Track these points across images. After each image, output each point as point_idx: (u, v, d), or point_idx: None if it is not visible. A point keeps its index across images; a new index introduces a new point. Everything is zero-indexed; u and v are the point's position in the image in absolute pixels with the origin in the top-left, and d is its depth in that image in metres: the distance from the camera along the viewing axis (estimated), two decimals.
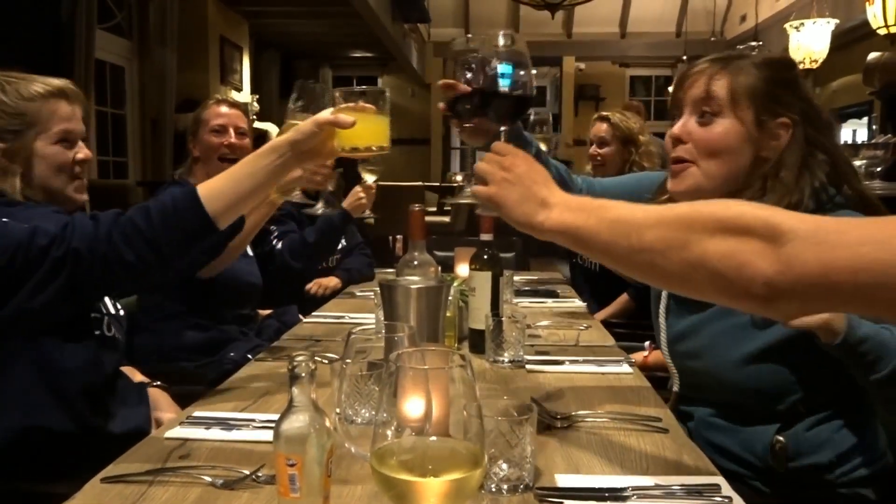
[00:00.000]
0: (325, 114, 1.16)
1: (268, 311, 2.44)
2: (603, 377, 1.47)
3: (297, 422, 0.76)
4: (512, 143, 1.34)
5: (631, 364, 1.54)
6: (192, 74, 6.59)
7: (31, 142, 1.38)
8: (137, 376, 1.63)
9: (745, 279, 0.71)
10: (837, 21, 7.19)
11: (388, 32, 9.08)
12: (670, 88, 2.58)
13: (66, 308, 1.17)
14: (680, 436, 1.12)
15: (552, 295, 2.50)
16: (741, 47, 8.69)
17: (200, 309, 2.10)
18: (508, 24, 11.83)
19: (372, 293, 2.10)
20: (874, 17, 5.65)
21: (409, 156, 11.82)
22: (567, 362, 1.54)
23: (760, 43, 8.59)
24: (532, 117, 2.15)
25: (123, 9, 6.03)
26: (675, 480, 0.94)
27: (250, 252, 2.30)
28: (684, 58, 9.04)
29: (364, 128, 1.16)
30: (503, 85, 1.11)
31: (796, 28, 7.17)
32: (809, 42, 7.11)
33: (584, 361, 1.56)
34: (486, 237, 1.67)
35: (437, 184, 9.69)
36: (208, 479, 0.92)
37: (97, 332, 1.39)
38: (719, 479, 0.94)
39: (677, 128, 1.32)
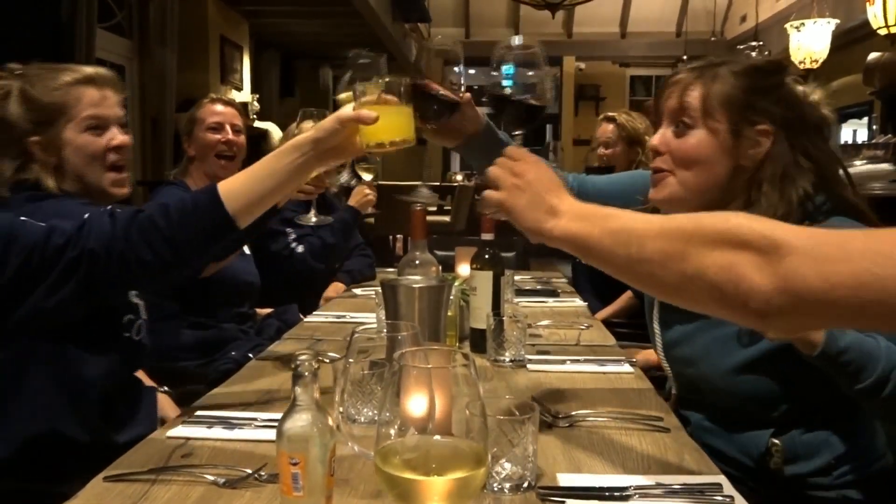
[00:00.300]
0: (348, 109, 1.13)
1: (268, 310, 2.45)
2: (604, 377, 1.47)
3: (300, 421, 0.77)
4: (487, 141, 1.36)
5: (632, 364, 1.54)
6: (192, 74, 6.59)
7: (61, 131, 1.36)
8: (146, 380, 1.62)
9: (742, 293, 0.70)
10: (838, 21, 7.20)
11: (389, 32, 9.07)
12: None
13: (81, 308, 1.16)
14: (681, 435, 1.13)
15: (553, 294, 2.50)
16: (741, 47, 8.71)
17: (198, 308, 2.10)
18: (509, 24, 11.84)
19: (373, 292, 2.10)
20: (874, 17, 5.66)
21: (409, 156, 11.81)
22: (568, 362, 1.55)
23: (761, 43, 8.59)
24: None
25: (124, 8, 6.03)
26: (677, 480, 0.94)
27: (247, 251, 2.31)
28: (684, 58, 9.04)
29: (388, 122, 1.12)
30: (517, 92, 1.12)
31: (797, 28, 7.18)
32: (810, 42, 7.12)
33: (586, 361, 1.56)
34: (486, 237, 1.67)
35: (437, 183, 9.68)
36: (210, 478, 0.92)
37: (126, 335, 1.35)
38: (721, 479, 0.94)
39: (655, 139, 1.32)
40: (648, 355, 1.85)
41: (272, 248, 2.60)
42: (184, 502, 0.87)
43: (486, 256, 1.65)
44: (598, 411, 1.20)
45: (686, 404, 1.40)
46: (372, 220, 5.23)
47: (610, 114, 3.03)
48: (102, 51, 5.30)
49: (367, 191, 2.71)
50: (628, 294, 2.66)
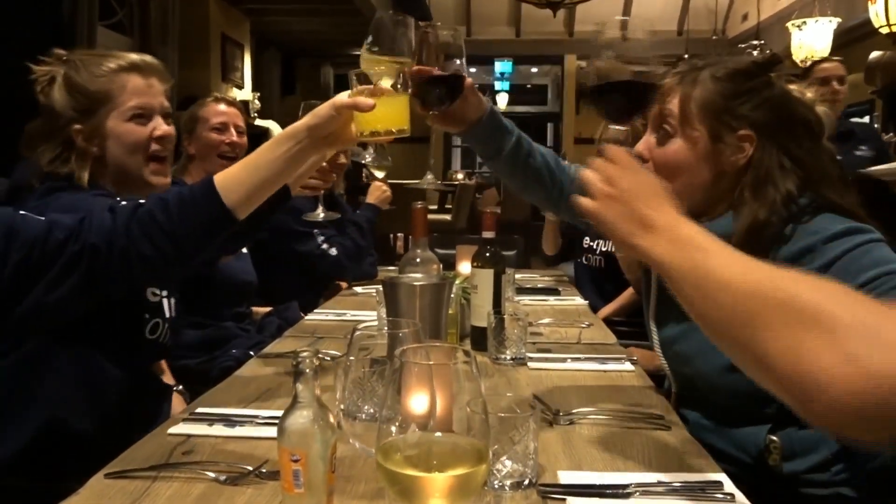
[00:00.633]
0: (343, 97, 1.12)
1: (268, 308, 2.45)
2: (605, 375, 1.47)
3: (302, 417, 0.77)
4: (490, 128, 1.36)
5: (633, 362, 1.54)
6: (193, 72, 6.58)
7: (105, 119, 1.33)
8: (168, 377, 1.60)
9: (809, 380, 0.67)
10: (839, 20, 7.18)
11: None
12: None
13: (82, 304, 1.15)
14: (682, 433, 1.13)
15: (554, 293, 2.51)
16: (742, 46, 8.69)
17: (198, 308, 2.10)
18: (510, 23, 11.83)
19: (374, 290, 2.10)
20: (876, 15, 5.64)
21: (410, 154, 11.82)
22: (569, 360, 1.55)
23: (762, 42, 8.58)
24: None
25: (125, 6, 6.02)
26: (678, 477, 0.94)
27: (244, 250, 2.31)
28: (686, 56, 9.03)
29: (384, 111, 1.10)
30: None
31: (798, 27, 7.17)
32: (811, 41, 7.10)
33: (586, 359, 1.56)
34: (487, 235, 1.67)
35: (439, 181, 9.68)
36: (212, 475, 0.92)
37: (151, 337, 1.33)
38: (721, 476, 0.94)
39: (640, 145, 1.31)
40: (652, 358, 1.85)
41: (299, 249, 2.65)
42: (185, 499, 0.87)
43: (487, 254, 1.65)
44: (599, 409, 1.20)
45: (684, 402, 1.40)
46: None
47: None
48: (103, 48, 5.30)
49: (385, 187, 2.77)
50: (630, 291, 2.66)
